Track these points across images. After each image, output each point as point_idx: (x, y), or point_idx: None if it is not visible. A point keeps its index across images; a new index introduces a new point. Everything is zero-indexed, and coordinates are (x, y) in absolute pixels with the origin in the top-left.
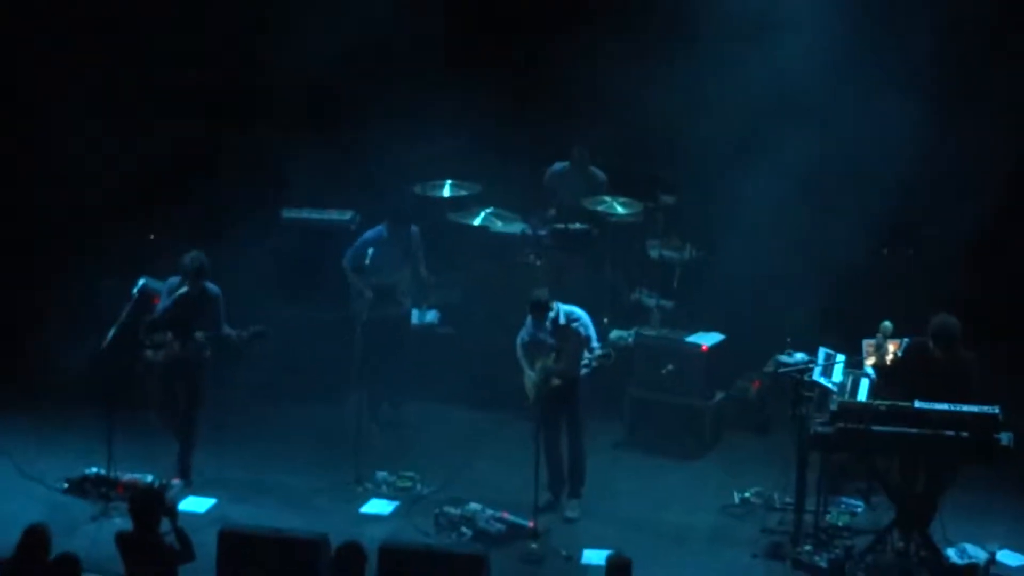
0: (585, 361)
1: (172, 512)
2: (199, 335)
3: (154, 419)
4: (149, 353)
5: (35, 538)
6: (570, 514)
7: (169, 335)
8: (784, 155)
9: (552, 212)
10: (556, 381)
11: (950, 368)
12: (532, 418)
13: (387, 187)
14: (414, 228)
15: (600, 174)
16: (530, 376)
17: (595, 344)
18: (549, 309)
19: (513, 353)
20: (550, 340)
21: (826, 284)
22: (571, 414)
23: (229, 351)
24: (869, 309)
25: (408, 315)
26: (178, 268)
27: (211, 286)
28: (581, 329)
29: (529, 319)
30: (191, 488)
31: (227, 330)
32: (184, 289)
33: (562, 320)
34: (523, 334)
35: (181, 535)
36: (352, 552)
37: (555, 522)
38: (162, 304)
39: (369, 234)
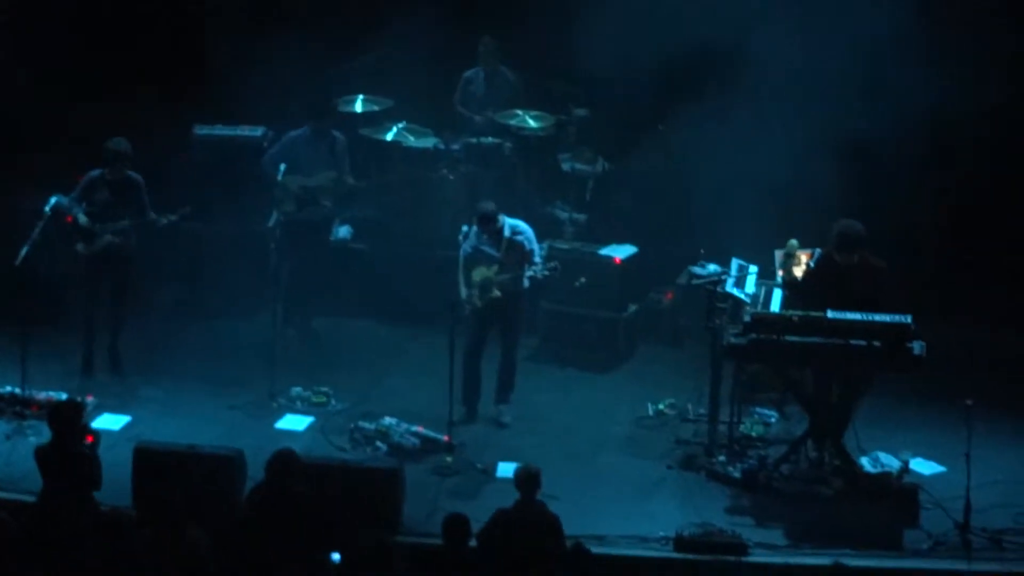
0: (530, 273)
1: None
2: (125, 222)
3: (82, 316)
4: (79, 247)
5: None
6: (504, 419)
7: (97, 225)
8: (708, 61)
9: (479, 119)
10: (496, 292)
11: (860, 277)
12: (454, 331)
13: (302, 99)
14: (339, 135)
15: (510, 74)
16: (473, 283)
17: (537, 259)
18: (496, 221)
19: (425, 267)
20: (494, 252)
21: (742, 195)
22: (510, 326)
23: (155, 236)
24: (784, 220)
25: (331, 217)
26: (101, 155)
27: (133, 173)
28: (525, 243)
29: (473, 231)
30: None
31: (152, 215)
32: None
33: (507, 233)
34: (466, 246)
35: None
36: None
37: (469, 436)
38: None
39: (291, 135)
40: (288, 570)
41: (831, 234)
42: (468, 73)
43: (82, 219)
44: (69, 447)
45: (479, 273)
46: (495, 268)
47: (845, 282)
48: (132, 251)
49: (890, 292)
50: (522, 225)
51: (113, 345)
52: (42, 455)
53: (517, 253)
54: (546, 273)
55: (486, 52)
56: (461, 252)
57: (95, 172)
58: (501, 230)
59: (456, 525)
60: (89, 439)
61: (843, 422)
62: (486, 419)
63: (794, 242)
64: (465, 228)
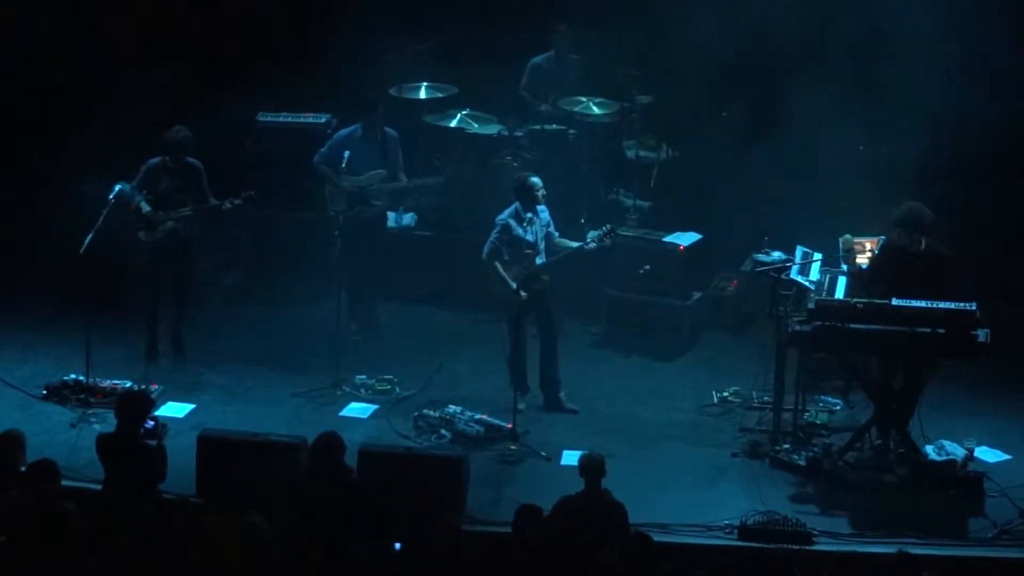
0: (591, 243)
1: (161, 429)
2: (187, 210)
3: (145, 304)
4: (142, 235)
5: (9, 444)
6: (571, 405)
7: (159, 213)
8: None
9: (544, 107)
10: (545, 277)
11: (925, 264)
12: (509, 319)
13: (359, 89)
14: (392, 132)
15: (580, 62)
16: (517, 275)
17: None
18: (542, 193)
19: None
20: (530, 239)
21: (805, 182)
22: (549, 314)
23: (218, 223)
24: (847, 207)
25: (383, 216)
26: (161, 144)
27: (193, 160)
28: (553, 233)
29: (508, 221)
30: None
31: (214, 201)
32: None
33: (545, 219)
34: (494, 238)
35: (161, 452)
36: (331, 440)
37: (534, 423)
38: (139, 179)
39: (342, 133)
40: (345, 556)
41: (895, 217)
42: (536, 59)
43: (145, 207)
44: (134, 438)
45: (524, 264)
46: (536, 257)
47: (910, 268)
48: (194, 238)
49: (955, 280)
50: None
51: (177, 332)
52: (104, 444)
53: (549, 241)
54: (605, 239)
55: (561, 39)
56: (488, 247)
57: (155, 160)
58: (540, 209)
59: (528, 515)
60: (153, 429)
61: (908, 410)
62: (551, 410)
63: (848, 236)
64: (500, 218)
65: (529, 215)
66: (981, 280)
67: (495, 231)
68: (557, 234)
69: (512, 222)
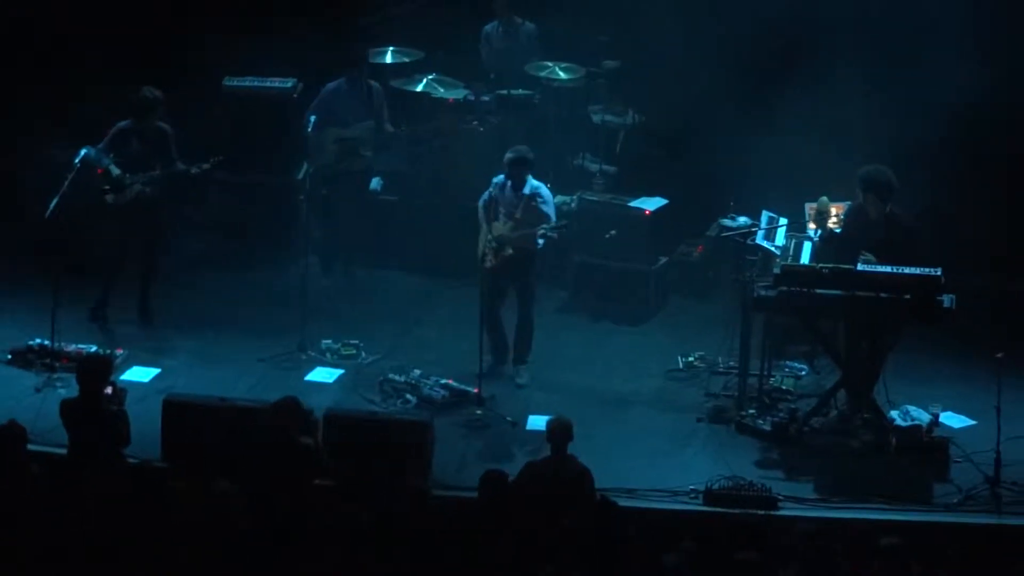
0: (540, 232)
1: (120, 394)
2: (155, 172)
3: (106, 268)
4: (109, 198)
5: None
6: (520, 380)
7: (127, 176)
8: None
9: (492, 75)
10: (509, 250)
11: (888, 229)
12: (479, 285)
13: (335, 51)
14: (376, 84)
15: (528, 25)
16: (487, 239)
17: (562, 221)
18: (526, 167)
19: (454, 218)
20: (511, 208)
21: (771, 147)
22: (523, 285)
23: (186, 187)
24: (814, 172)
25: (370, 167)
26: (130, 105)
27: (162, 124)
28: (542, 206)
29: (497, 181)
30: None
31: (182, 165)
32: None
33: (527, 191)
34: (485, 195)
35: (122, 417)
36: (291, 406)
37: (500, 388)
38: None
39: (329, 87)
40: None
41: (858, 176)
42: (487, 27)
43: (114, 170)
44: (96, 402)
45: (496, 229)
46: (510, 225)
47: (873, 234)
48: (161, 201)
49: (920, 246)
50: (544, 190)
51: (145, 296)
52: (67, 409)
53: (533, 215)
54: (554, 235)
55: (499, 4)
56: (480, 200)
57: (124, 123)
58: (524, 183)
59: (494, 482)
60: (113, 394)
61: (873, 375)
62: (508, 377)
63: (824, 199)
64: (497, 179)
65: (506, 184)
66: (945, 245)
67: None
68: (545, 209)
69: (493, 187)
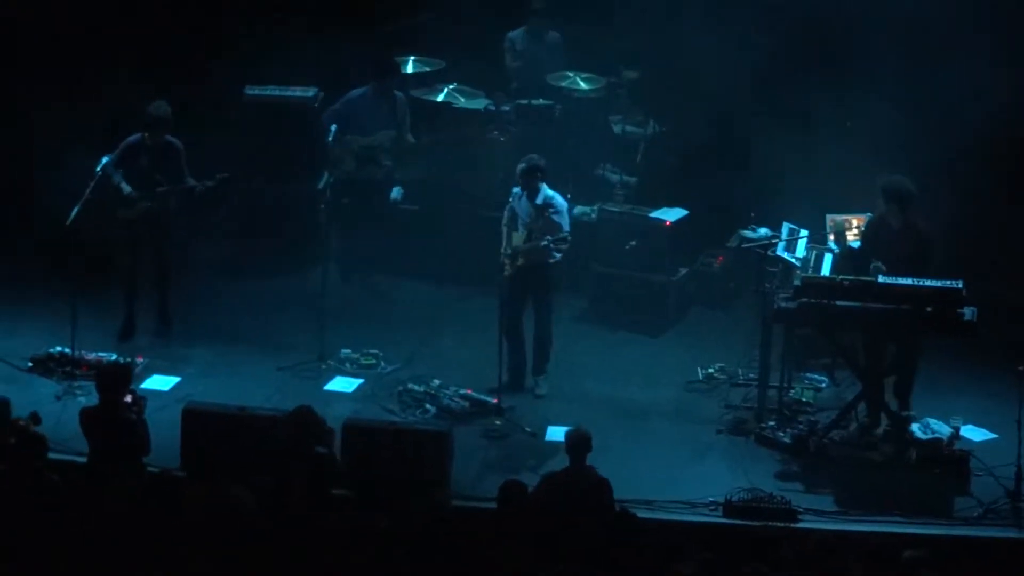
0: (544, 243)
1: (140, 402)
2: (162, 189)
3: (124, 283)
4: (119, 212)
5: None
6: (540, 391)
7: (135, 191)
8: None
9: (514, 86)
10: (521, 260)
11: (908, 240)
12: (498, 296)
13: (365, 58)
14: (400, 94)
15: (554, 34)
16: (504, 250)
17: (563, 235)
18: (535, 177)
19: (475, 228)
20: (525, 218)
21: (792, 158)
22: (540, 299)
23: (195, 203)
24: (836, 184)
25: (390, 176)
26: (142, 120)
27: (172, 138)
28: (554, 216)
29: (516, 192)
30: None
31: (191, 181)
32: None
33: (539, 201)
34: (508, 207)
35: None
36: (304, 415)
37: (519, 399)
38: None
39: (354, 93)
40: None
41: (878, 186)
42: (512, 33)
43: (125, 188)
44: (116, 411)
45: (515, 239)
46: (524, 235)
47: (891, 244)
48: (171, 216)
49: (936, 255)
50: (558, 200)
51: (163, 307)
52: (87, 417)
53: (546, 225)
54: (551, 246)
55: (537, 20)
56: (505, 211)
57: (134, 137)
58: (537, 193)
59: (513, 491)
60: (132, 403)
61: (907, 387)
62: (527, 388)
63: (839, 220)
64: (515, 190)
65: (523, 195)
66: (968, 256)
67: None
68: (557, 220)
69: (512, 197)
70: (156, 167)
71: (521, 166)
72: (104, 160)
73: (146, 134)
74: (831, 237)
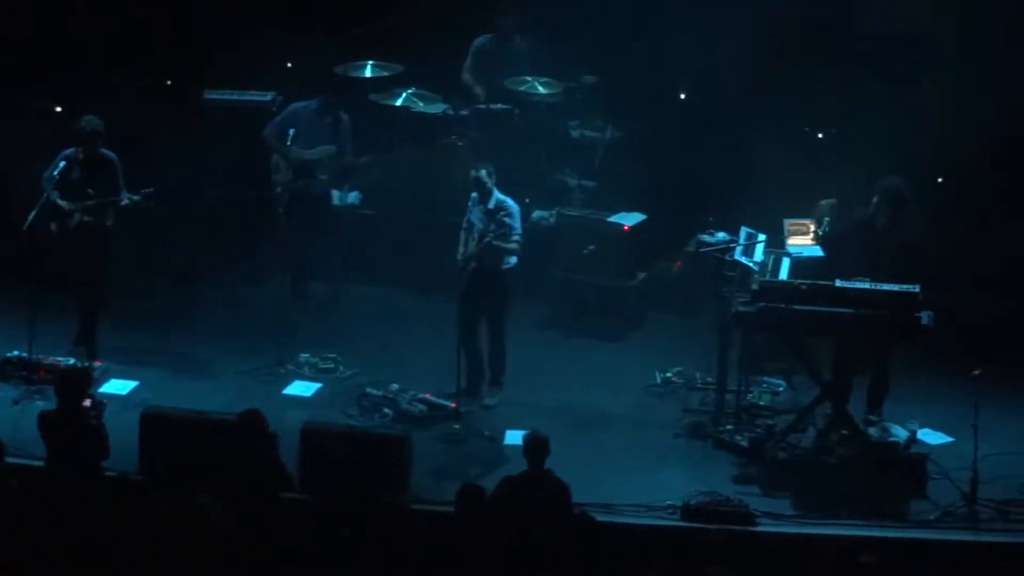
0: (487, 239)
1: (99, 406)
2: (91, 203)
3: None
4: (52, 226)
5: None
6: (489, 401)
7: (68, 204)
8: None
9: (479, 90)
10: (473, 264)
11: (888, 242)
12: (457, 301)
13: (322, 72)
14: (344, 115)
15: (523, 41)
16: (459, 255)
17: (514, 238)
18: (483, 184)
19: (434, 233)
20: (477, 223)
21: (749, 163)
22: (492, 313)
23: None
24: (792, 189)
25: (327, 192)
26: (73, 134)
27: (107, 152)
28: (506, 219)
29: (474, 196)
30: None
31: (125, 196)
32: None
33: (491, 205)
34: (468, 211)
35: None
36: (252, 419)
37: (477, 405)
38: (51, 171)
39: (297, 105)
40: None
41: (878, 187)
42: (479, 40)
43: (60, 202)
44: (75, 415)
45: (471, 246)
46: (476, 240)
47: (870, 243)
48: (106, 231)
49: (915, 261)
50: (509, 203)
51: (88, 332)
52: (46, 421)
53: (499, 228)
54: (499, 243)
55: (503, 23)
56: (464, 217)
57: (68, 150)
58: (488, 197)
59: (471, 495)
60: (91, 407)
61: (879, 391)
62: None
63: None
64: (474, 195)
65: (477, 202)
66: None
67: None
68: (508, 222)
69: (471, 202)
70: (89, 181)
71: (472, 173)
72: (61, 164)
73: (79, 148)
74: (790, 236)
